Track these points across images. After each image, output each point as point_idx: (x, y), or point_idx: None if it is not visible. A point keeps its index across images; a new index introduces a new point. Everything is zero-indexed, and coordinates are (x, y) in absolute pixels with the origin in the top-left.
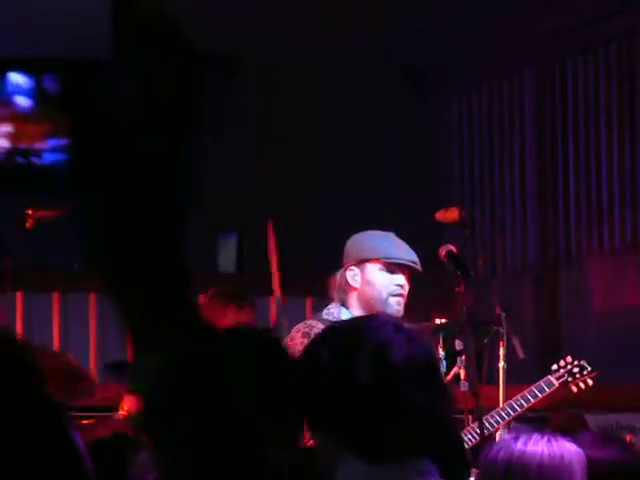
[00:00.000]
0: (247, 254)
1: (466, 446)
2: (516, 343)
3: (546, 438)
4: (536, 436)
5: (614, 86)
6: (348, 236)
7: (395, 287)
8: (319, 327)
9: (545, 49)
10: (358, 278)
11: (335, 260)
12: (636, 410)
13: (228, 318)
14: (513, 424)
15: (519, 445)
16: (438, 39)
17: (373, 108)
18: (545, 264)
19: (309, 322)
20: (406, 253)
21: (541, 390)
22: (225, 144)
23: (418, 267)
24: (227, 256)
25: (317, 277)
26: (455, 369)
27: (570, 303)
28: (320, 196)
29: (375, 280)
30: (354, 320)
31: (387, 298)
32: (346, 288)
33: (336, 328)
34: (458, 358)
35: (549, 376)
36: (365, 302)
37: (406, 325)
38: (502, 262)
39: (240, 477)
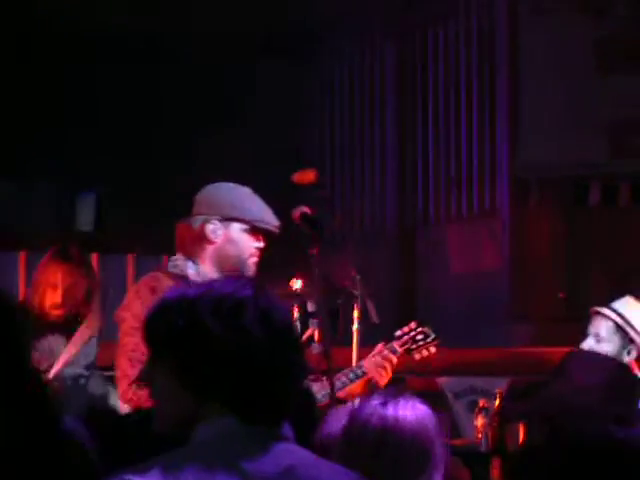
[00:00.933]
0: (106, 212)
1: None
2: (370, 306)
3: (410, 402)
4: (402, 400)
5: (474, 55)
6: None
7: (255, 250)
8: (167, 282)
9: (407, 17)
10: (220, 233)
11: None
12: (490, 374)
13: (36, 278)
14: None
15: (390, 411)
16: (304, 6)
17: (241, 73)
18: (403, 228)
19: (155, 275)
20: (270, 216)
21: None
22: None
23: (279, 231)
24: (86, 214)
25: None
26: (308, 331)
27: (427, 267)
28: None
29: (239, 240)
30: (227, 284)
31: (247, 259)
32: (201, 241)
33: (212, 291)
34: (310, 320)
35: (393, 342)
36: (222, 259)
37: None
38: (360, 225)
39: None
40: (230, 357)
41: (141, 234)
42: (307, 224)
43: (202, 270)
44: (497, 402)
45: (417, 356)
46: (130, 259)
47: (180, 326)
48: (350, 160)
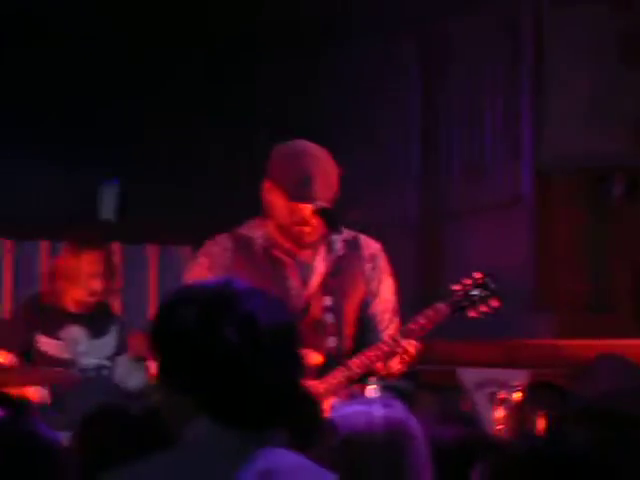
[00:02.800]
0: (128, 201)
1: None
2: None
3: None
4: (395, 402)
5: (499, 44)
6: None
7: (296, 218)
8: (223, 244)
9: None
10: (268, 196)
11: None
12: (511, 366)
13: (64, 266)
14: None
15: (380, 412)
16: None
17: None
18: (425, 219)
19: (215, 237)
20: (305, 188)
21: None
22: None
23: (314, 198)
24: (108, 203)
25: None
26: None
27: (451, 258)
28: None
29: (278, 206)
30: (222, 283)
31: (289, 226)
32: (265, 200)
33: (205, 290)
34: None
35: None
36: (276, 220)
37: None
38: (382, 217)
39: None
40: (205, 359)
41: (164, 224)
42: (324, 217)
43: (271, 231)
44: (517, 394)
45: (473, 314)
46: (153, 249)
47: (163, 325)
48: (371, 148)
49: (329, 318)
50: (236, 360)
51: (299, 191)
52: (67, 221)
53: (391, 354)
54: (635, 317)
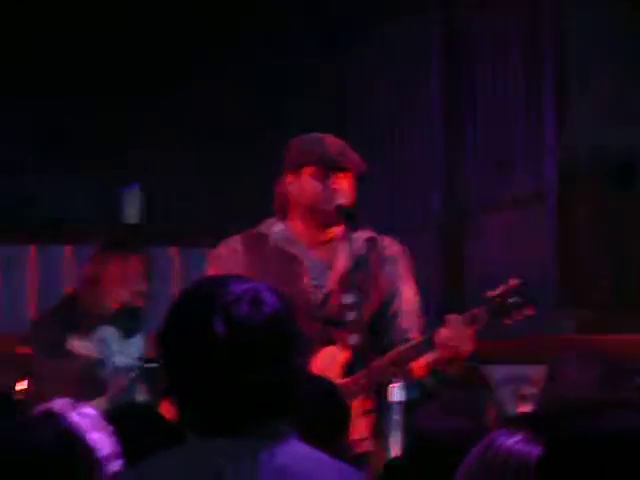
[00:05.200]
0: (150, 204)
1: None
2: None
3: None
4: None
5: (521, 30)
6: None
7: (330, 193)
8: (235, 245)
9: None
10: (295, 185)
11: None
12: (535, 362)
13: (113, 269)
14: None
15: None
16: None
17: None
18: (449, 216)
19: (228, 239)
20: (340, 154)
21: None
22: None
23: (352, 165)
24: (131, 207)
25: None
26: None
27: (475, 255)
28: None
29: (308, 187)
30: (211, 279)
31: (321, 203)
32: (284, 198)
33: (190, 289)
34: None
35: (476, 309)
36: (302, 211)
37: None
38: (405, 213)
39: None
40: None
41: (187, 226)
42: (343, 216)
43: (289, 227)
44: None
45: (508, 321)
46: (175, 251)
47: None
48: (399, 146)
49: (350, 316)
50: (225, 348)
51: (339, 159)
52: (90, 225)
53: (423, 351)
54: None
